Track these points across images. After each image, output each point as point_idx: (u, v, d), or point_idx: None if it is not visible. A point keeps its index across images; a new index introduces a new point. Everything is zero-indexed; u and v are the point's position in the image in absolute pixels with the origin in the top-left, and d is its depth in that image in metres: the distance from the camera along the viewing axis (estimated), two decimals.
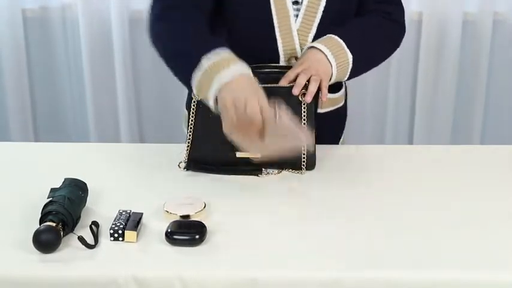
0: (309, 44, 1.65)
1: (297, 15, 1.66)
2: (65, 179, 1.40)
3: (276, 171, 1.59)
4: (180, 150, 1.62)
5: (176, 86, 3.03)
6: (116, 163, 1.65)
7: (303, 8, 1.65)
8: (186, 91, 1.83)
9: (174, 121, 2.46)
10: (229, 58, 1.45)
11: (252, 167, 1.57)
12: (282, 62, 1.67)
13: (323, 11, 1.66)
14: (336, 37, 1.65)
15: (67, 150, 1.77)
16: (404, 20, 1.79)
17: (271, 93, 1.55)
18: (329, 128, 1.61)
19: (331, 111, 1.75)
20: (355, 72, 1.69)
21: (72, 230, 1.28)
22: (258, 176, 1.56)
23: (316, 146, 1.58)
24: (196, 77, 1.46)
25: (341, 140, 1.89)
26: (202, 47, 1.48)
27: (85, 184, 1.40)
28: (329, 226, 1.34)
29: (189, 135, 1.59)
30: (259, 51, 1.63)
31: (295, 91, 1.53)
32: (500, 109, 3.10)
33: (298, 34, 1.66)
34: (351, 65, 1.65)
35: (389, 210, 1.42)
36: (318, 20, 1.66)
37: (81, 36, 2.98)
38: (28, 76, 3.08)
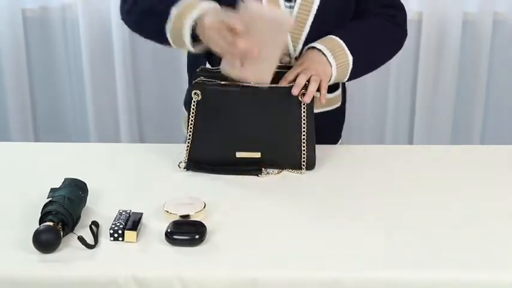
0: (309, 45, 1.65)
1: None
2: (65, 179, 1.40)
3: (276, 171, 1.59)
4: (180, 150, 1.62)
5: (176, 86, 3.04)
6: (116, 163, 1.65)
7: (296, 6, 1.65)
8: (186, 91, 1.83)
9: (174, 121, 2.46)
10: (195, 1, 1.54)
11: (252, 167, 1.57)
12: None
13: (317, 10, 1.66)
14: (337, 38, 1.65)
15: (67, 150, 1.77)
16: (406, 26, 1.79)
17: (271, 93, 1.55)
18: (324, 128, 1.60)
19: (326, 111, 1.74)
20: (356, 74, 1.69)
21: (72, 230, 1.28)
22: (258, 176, 1.56)
23: (316, 146, 1.58)
24: (168, 27, 1.56)
25: (339, 142, 1.89)
26: (169, 2, 1.57)
27: (85, 184, 1.41)
28: (329, 226, 1.34)
29: (189, 135, 1.59)
30: None
31: (295, 91, 1.53)
32: (500, 109, 3.10)
33: (290, 33, 1.66)
34: (351, 66, 1.65)
35: (389, 210, 1.42)
36: (311, 19, 1.66)
37: (81, 36, 2.97)
38: (28, 76, 3.08)
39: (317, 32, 1.67)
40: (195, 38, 1.56)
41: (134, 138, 3.14)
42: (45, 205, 1.30)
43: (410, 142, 3.14)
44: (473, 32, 2.96)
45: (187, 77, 1.85)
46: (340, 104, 1.82)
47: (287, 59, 1.68)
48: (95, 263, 1.21)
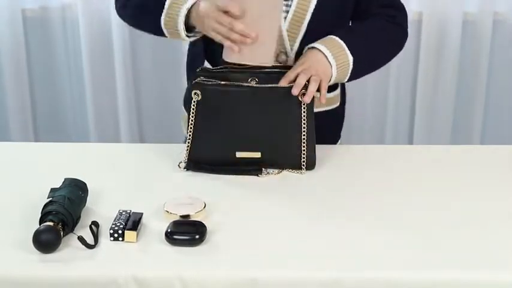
0: (309, 45, 1.65)
1: (285, 16, 1.66)
2: (65, 179, 1.40)
3: (276, 171, 1.59)
4: (180, 150, 1.62)
5: (176, 86, 3.04)
6: (116, 163, 1.65)
7: (293, 5, 1.65)
8: (186, 90, 1.83)
9: (174, 121, 2.46)
10: None
11: (252, 167, 1.57)
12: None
13: (314, 9, 1.66)
14: (337, 38, 1.65)
15: (67, 150, 1.77)
16: (407, 26, 1.79)
17: (271, 93, 1.55)
18: (323, 128, 1.60)
19: (325, 111, 1.74)
20: (356, 74, 1.69)
21: (72, 230, 1.28)
22: (258, 176, 1.56)
23: (316, 146, 1.59)
24: (163, 19, 1.62)
25: (339, 142, 1.89)
26: None
27: (85, 184, 1.41)
28: (329, 226, 1.34)
29: (189, 135, 1.59)
30: None
31: (295, 91, 1.53)
32: (500, 109, 3.10)
33: (287, 32, 1.66)
34: (351, 67, 1.65)
35: (389, 210, 1.42)
36: (309, 18, 1.66)
37: (81, 36, 2.97)
38: (28, 76, 3.08)
39: (314, 30, 1.67)
40: (189, 28, 1.61)
41: (134, 138, 3.14)
42: (45, 205, 1.30)
43: (410, 142, 3.13)
44: (473, 32, 2.95)
45: (186, 76, 1.85)
46: (339, 104, 1.82)
47: (284, 57, 1.68)
48: (95, 263, 1.21)
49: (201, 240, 1.27)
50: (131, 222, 1.30)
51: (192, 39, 1.66)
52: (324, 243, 1.28)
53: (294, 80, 1.55)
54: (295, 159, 1.58)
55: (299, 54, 1.68)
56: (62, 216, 1.26)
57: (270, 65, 1.58)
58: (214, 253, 1.25)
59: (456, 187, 1.53)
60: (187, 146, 1.59)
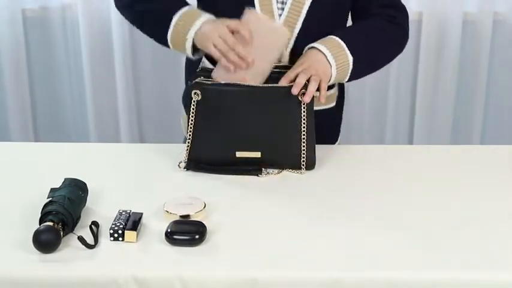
0: (309, 45, 1.65)
1: (280, 14, 1.66)
2: (65, 179, 1.40)
3: (276, 171, 1.59)
4: (180, 150, 1.62)
5: (176, 86, 3.03)
6: (116, 163, 1.65)
7: (288, 3, 1.66)
8: (184, 90, 1.83)
9: (174, 121, 2.46)
10: (196, 13, 1.64)
11: (252, 167, 1.57)
12: None
13: (308, 7, 1.66)
14: (337, 38, 1.65)
15: (67, 150, 1.77)
16: (408, 26, 1.78)
17: (271, 93, 1.55)
18: (320, 127, 1.60)
19: (321, 110, 1.72)
20: (357, 74, 1.68)
21: (72, 230, 1.28)
22: (258, 176, 1.56)
23: (316, 146, 1.59)
24: (169, 34, 1.65)
25: (337, 142, 1.89)
26: (172, 5, 1.66)
27: (85, 184, 1.41)
28: (329, 226, 1.34)
29: (189, 135, 1.59)
30: None
31: (295, 91, 1.53)
32: (500, 109, 3.10)
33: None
34: (351, 67, 1.65)
35: (389, 210, 1.42)
36: (303, 17, 1.67)
37: (81, 36, 2.97)
38: (28, 76, 3.08)
39: (309, 28, 1.67)
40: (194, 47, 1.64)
41: (134, 138, 3.14)
42: (45, 205, 1.30)
43: (410, 142, 3.14)
44: (473, 32, 2.95)
45: (185, 76, 1.85)
46: (335, 103, 1.82)
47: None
48: (95, 263, 1.21)
49: (201, 240, 1.27)
50: (131, 222, 1.30)
51: (196, 57, 1.68)
52: (324, 243, 1.28)
53: (294, 80, 1.55)
54: (295, 159, 1.58)
55: (294, 51, 1.68)
56: (62, 216, 1.26)
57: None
58: (214, 253, 1.25)
59: (456, 187, 1.53)
60: (187, 146, 1.60)
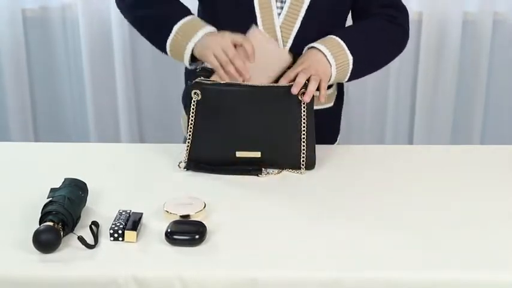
0: (309, 44, 1.65)
1: (279, 13, 1.66)
2: (65, 179, 1.40)
3: (276, 171, 1.59)
4: (180, 150, 1.62)
5: (176, 86, 3.03)
6: (116, 163, 1.65)
7: (287, 1, 1.66)
8: (184, 89, 1.83)
9: (174, 121, 2.46)
10: (197, 24, 1.65)
11: (252, 167, 1.57)
12: None
13: (308, 7, 1.66)
14: (337, 38, 1.65)
15: (67, 150, 1.77)
16: (408, 26, 1.78)
17: (271, 93, 1.55)
18: (318, 127, 1.60)
19: (319, 110, 1.72)
20: (357, 74, 1.68)
21: (72, 230, 1.28)
22: (258, 176, 1.56)
23: (316, 146, 1.59)
24: (169, 42, 1.66)
25: (337, 142, 1.88)
26: (173, 13, 1.68)
27: (85, 184, 1.40)
28: (329, 226, 1.34)
29: (189, 135, 1.59)
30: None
31: (294, 90, 1.53)
32: (500, 109, 3.10)
33: (280, 30, 1.67)
34: (351, 66, 1.65)
35: (389, 210, 1.42)
36: (302, 16, 1.67)
37: (81, 36, 2.97)
38: (28, 76, 3.08)
39: (308, 27, 1.67)
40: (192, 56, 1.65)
41: (134, 138, 3.14)
42: (45, 205, 1.30)
43: (410, 142, 3.13)
44: (473, 32, 2.95)
45: (184, 76, 1.85)
46: (333, 103, 1.81)
47: None
48: (95, 263, 1.21)
49: (201, 240, 1.27)
50: (131, 222, 1.30)
51: (193, 67, 1.69)
52: (324, 243, 1.28)
53: (294, 79, 1.55)
54: (295, 159, 1.58)
55: (292, 50, 1.68)
56: (62, 216, 1.26)
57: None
58: (214, 253, 1.25)
59: (456, 187, 1.53)
60: (187, 146, 1.59)
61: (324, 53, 1.62)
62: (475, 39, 2.96)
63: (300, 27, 1.68)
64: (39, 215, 1.28)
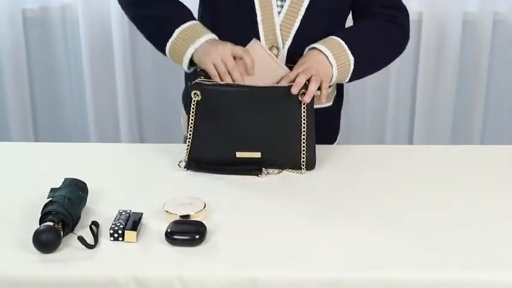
0: (310, 45, 1.65)
1: (279, 12, 1.67)
2: (65, 179, 1.40)
3: (276, 171, 1.59)
4: (180, 150, 1.62)
5: (176, 86, 3.03)
6: (116, 163, 1.65)
7: (287, 2, 1.66)
8: (184, 89, 1.84)
9: (174, 121, 2.46)
10: (198, 30, 1.65)
11: (252, 167, 1.57)
12: None
13: (307, 7, 1.66)
14: (338, 39, 1.65)
15: (67, 150, 1.77)
16: (409, 26, 1.77)
17: (271, 93, 1.55)
18: (318, 126, 1.60)
19: (319, 109, 1.70)
20: (358, 75, 1.68)
21: (72, 230, 1.28)
22: (258, 176, 1.56)
23: (316, 146, 1.58)
24: (169, 45, 1.66)
25: (336, 141, 1.88)
26: (174, 14, 1.68)
27: (85, 184, 1.40)
28: (329, 226, 1.34)
29: (189, 135, 1.59)
30: (241, 44, 1.64)
31: (294, 90, 1.53)
32: (500, 109, 3.10)
33: (280, 28, 1.67)
34: (352, 67, 1.65)
35: (389, 210, 1.42)
36: (302, 15, 1.67)
37: (81, 36, 2.97)
38: (28, 76, 3.08)
39: (308, 28, 1.67)
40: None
41: (134, 138, 3.14)
42: (45, 205, 1.30)
43: (410, 142, 3.14)
44: (473, 32, 2.95)
45: (184, 76, 1.85)
46: (332, 102, 1.81)
47: (275, 51, 1.68)
48: (95, 263, 1.21)
49: (201, 240, 1.27)
50: (131, 222, 1.30)
51: (191, 70, 1.69)
52: (324, 243, 1.28)
53: (294, 80, 1.55)
54: (295, 159, 1.58)
55: (291, 50, 1.68)
56: (62, 216, 1.26)
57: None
58: (214, 253, 1.25)
59: (456, 187, 1.53)
60: (188, 146, 1.59)
61: (325, 54, 1.62)
62: (475, 39, 2.96)
63: (299, 26, 1.68)
64: (39, 215, 1.28)
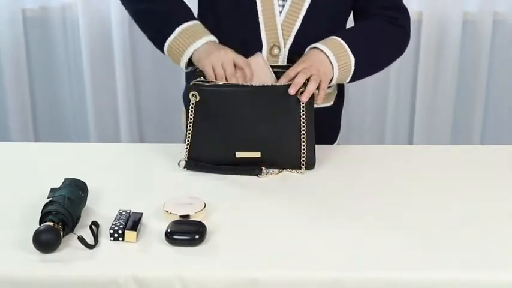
0: (311, 45, 1.64)
1: (281, 11, 1.67)
2: (65, 179, 1.40)
3: (276, 171, 1.58)
4: (180, 150, 1.62)
5: (176, 86, 3.04)
6: (116, 163, 1.65)
7: (288, 2, 1.66)
8: (185, 87, 1.83)
9: (174, 121, 2.46)
10: (199, 30, 1.64)
11: (252, 167, 1.57)
12: (265, 53, 1.68)
13: (308, 7, 1.66)
14: (339, 39, 1.65)
15: (67, 150, 1.77)
16: (409, 28, 1.77)
17: (271, 92, 1.55)
18: (319, 126, 1.60)
19: (319, 109, 1.69)
20: (358, 75, 1.68)
21: (72, 230, 1.28)
22: (258, 176, 1.56)
23: (316, 146, 1.58)
24: (168, 43, 1.65)
25: (337, 141, 1.88)
26: (176, 12, 1.68)
27: (85, 184, 1.40)
28: (329, 226, 1.34)
29: (189, 135, 1.59)
30: (242, 43, 1.65)
31: (291, 91, 1.52)
32: (500, 109, 3.10)
33: (282, 28, 1.67)
34: (353, 68, 1.65)
35: (389, 210, 1.42)
36: (303, 15, 1.67)
37: (81, 36, 2.97)
38: (28, 76, 3.08)
39: (309, 28, 1.67)
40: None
41: (134, 138, 3.14)
42: (45, 205, 1.30)
43: (410, 142, 3.14)
44: (473, 32, 2.96)
45: (185, 75, 1.85)
46: (333, 102, 1.81)
47: (277, 51, 1.68)
48: (95, 263, 1.21)
49: (201, 240, 1.27)
50: (131, 222, 1.30)
51: (188, 70, 1.69)
52: (324, 243, 1.28)
53: (293, 79, 1.55)
54: (295, 159, 1.58)
55: (292, 49, 1.68)
56: (62, 216, 1.26)
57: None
58: (214, 253, 1.25)
59: (456, 187, 1.53)
60: (187, 147, 1.59)
61: (326, 54, 1.61)
62: (475, 39, 2.96)
63: (300, 25, 1.68)
64: (39, 215, 1.28)
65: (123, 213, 1.33)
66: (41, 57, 3.08)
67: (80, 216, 1.33)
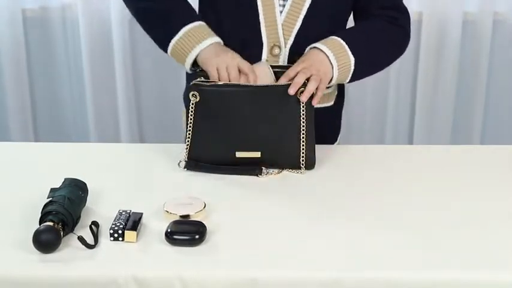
0: (311, 45, 1.65)
1: (281, 11, 1.67)
2: (65, 179, 1.40)
3: (276, 171, 1.59)
4: (180, 150, 1.62)
5: (176, 86, 3.04)
6: (116, 163, 1.65)
7: (288, 1, 1.66)
8: (185, 87, 1.83)
9: (174, 121, 2.46)
10: (205, 31, 1.64)
11: (252, 167, 1.57)
12: (265, 53, 1.68)
13: (309, 6, 1.66)
14: (339, 39, 1.65)
15: (67, 150, 1.77)
16: (409, 28, 1.77)
17: (270, 92, 1.55)
18: (319, 126, 1.60)
19: (320, 109, 1.70)
20: (358, 75, 1.68)
21: (72, 230, 1.28)
22: (258, 176, 1.56)
23: (316, 146, 1.58)
24: (173, 42, 1.65)
25: (337, 141, 1.88)
26: (179, 11, 1.68)
27: (85, 184, 1.40)
28: (329, 226, 1.34)
29: (189, 136, 1.59)
30: (243, 42, 1.65)
31: (291, 90, 1.52)
32: (500, 109, 3.10)
33: (282, 28, 1.67)
34: (352, 68, 1.65)
35: (389, 210, 1.42)
36: (304, 14, 1.67)
37: (81, 36, 2.97)
38: (28, 76, 3.08)
39: (309, 27, 1.67)
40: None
41: (134, 138, 3.14)
42: (45, 205, 1.30)
43: (410, 142, 3.14)
44: (473, 32, 2.96)
45: (186, 75, 1.85)
46: (333, 102, 1.81)
47: (277, 50, 1.68)
48: (95, 263, 1.21)
49: (201, 240, 1.27)
50: (131, 222, 1.30)
51: (191, 71, 1.69)
52: (324, 243, 1.28)
53: (293, 78, 1.55)
54: (295, 159, 1.58)
55: (293, 49, 1.68)
56: (62, 216, 1.26)
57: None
58: (214, 253, 1.25)
59: (456, 187, 1.53)
60: (187, 147, 1.59)
61: (326, 54, 1.61)
62: (475, 39, 2.96)
63: (301, 25, 1.68)
64: (39, 215, 1.28)
65: (123, 213, 1.33)
66: (41, 57, 3.08)
67: (80, 216, 1.33)
